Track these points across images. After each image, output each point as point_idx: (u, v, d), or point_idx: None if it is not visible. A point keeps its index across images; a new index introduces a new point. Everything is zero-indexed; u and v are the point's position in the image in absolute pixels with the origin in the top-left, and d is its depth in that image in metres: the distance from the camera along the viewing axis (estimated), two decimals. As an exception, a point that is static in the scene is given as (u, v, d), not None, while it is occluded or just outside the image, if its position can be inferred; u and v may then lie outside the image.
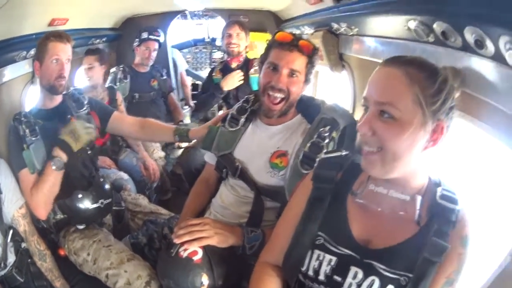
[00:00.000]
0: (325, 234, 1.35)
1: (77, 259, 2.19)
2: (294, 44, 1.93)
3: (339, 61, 2.76)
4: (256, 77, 3.27)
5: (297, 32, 3.50)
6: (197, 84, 5.87)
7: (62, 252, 2.28)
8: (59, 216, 2.26)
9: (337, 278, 1.29)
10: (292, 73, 1.94)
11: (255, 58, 3.61)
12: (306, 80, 2.01)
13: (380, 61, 1.94)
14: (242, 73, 3.56)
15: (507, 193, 1.57)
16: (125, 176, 3.19)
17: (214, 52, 6.31)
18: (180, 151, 3.92)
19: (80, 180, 2.31)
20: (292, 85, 1.95)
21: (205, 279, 1.73)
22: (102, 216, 2.39)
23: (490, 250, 1.46)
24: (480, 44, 1.16)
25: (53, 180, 2.17)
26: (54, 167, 2.14)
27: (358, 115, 2.08)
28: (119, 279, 1.99)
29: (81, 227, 2.29)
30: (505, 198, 1.59)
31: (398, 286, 1.22)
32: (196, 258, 1.74)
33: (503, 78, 1.17)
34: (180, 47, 6.19)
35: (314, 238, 1.35)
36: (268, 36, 4.51)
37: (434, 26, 1.34)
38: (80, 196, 2.24)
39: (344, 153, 1.49)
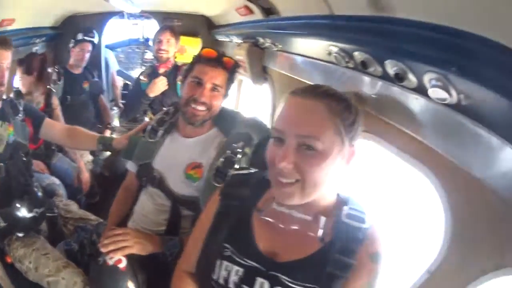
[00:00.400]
0: (232, 246, 1.28)
1: (22, 267, 2.05)
2: (218, 60, 1.89)
3: (261, 73, 2.66)
4: None
5: (226, 39, 3.35)
6: (128, 84, 5.56)
7: (9, 260, 2.11)
8: (1, 224, 2.07)
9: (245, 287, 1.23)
10: (214, 87, 1.88)
11: (184, 64, 3.43)
12: (226, 94, 1.96)
13: (301, 79, 1.88)
14: (165, 80, 3.41)
15: (420, 213, 1.53)
16: (57, 181, 2.96)
17: (146, 52, 6.05)
18: (108, 153, 3.65)
19: (16, 188, 2.13)
20: (214, 99, 1.89)
21: (131, 285, 1.74)
22: (37, 225, 2.21)
23: (408, 266, 1.43)
24: (401, 77, 1.07)
25: None
26: None
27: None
28: (58, 286, 1.90)
29: (20, 235, 2.12)
30: (418, 216, 1.55)
31: None
32: (122, 266, 1.75)
33: (423, 110, 1.10)
34: (114, 46, 5.86)
35: (221, 249, 1.28)
36: (199, 41, 4.40)
37: (355, 54, 1.25)
38: (17, 205, 2.07)
39: (253, 170, 1.43)
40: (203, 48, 1.97)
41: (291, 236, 1.23)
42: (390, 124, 1.28)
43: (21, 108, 2.27)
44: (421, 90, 1.05)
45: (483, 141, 0.90)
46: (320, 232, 1.19)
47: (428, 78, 0.95)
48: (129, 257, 1.76)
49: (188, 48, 4.28)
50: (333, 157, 1.09)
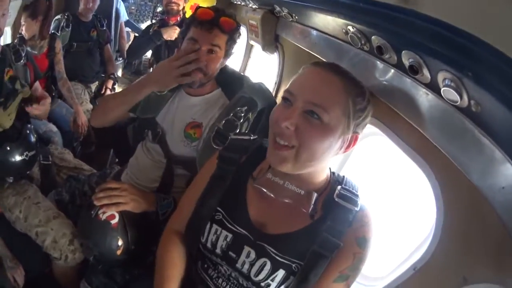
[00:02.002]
0: (224, 211, 1.30)
1: (11, 216, 2.05)
2: (214, 22, 1.80)
3: (273, 42, 2.60)
4: None
5: (242, 3, 3.25)
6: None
7: None
8: None
9: (232, 254, 1.27)
10: (211, 50, 1.81)
11: None
12: (227, 55, 1.89)
13: (313, 53, 1.84)
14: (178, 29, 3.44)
15: (413, 206, 1.53)
16: (54, 128, 3.01)
17: (159, 6, 5.88)
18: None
19: (11, 132, 2.11)
20: (211, 62, 1.82)
21: (120, 242, 1.73)
22: (27, 169, 2.20)
23: (394, 259, 1.43)
24: (415, 69, 1.04)
25: None
26: None
27: (280, 99, 1.94)
28: (47, 237, 1.92)
29: (10, 180, 2.12)
30: (411, 211, 1.54)
31: (289, 272, 1.21)
32: (114, 222, 1.72)
33: (431, 106, 1.07)
34: (127, -3, 5.77)
35: (213, 212, 1.30)
36: (213, 1, 4.19)
37: (373, 38, 1.21)
38: (7, 148, 2.04)
39: (252, 137, 1.42)
40: (198, 8, 1.86)
41: (282, 209, 1.25)
42: (395, 112, 1.26)
43: (23, 54, 2.28)
44: (432, 86, 1.03)
45: (485, 151, 0.88)
46: (310, 208, 1.21)
47: (442, 77, 0.93)
48: (122, 213, 1.75)
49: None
50: (334, 136, 1.11)
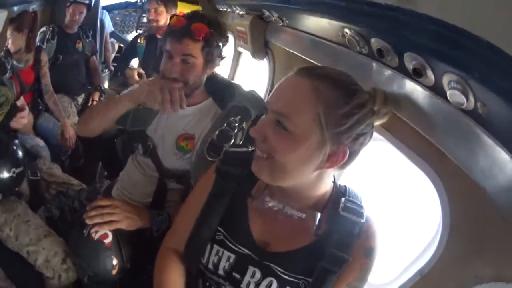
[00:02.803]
0: (225, 230, 1.24)
1: (2, 234, 2.00)
2: (184, 31, 1.72)
3: (262, 48, 2.57)
4: None
5: (229, 10, 3.23)
6: (122, 48, 5.49)
7: None
8: None
9: (236, 275, 1.21)
10: (185, 60, 1.74)
11: None
12: (207, 62, 1.80)
13: (306, 58, 1.82)
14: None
15: (417, 209, 1.51)
16: (41, 143, 2.99)
17: (143, 16, 5.86)
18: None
19: None
20: (186, 72, 1.75)
21: (115, 262, 1.69)
22: (16, 186, 2.16)
23: (400, 264, 1.40)
24: (419, 72, 1.01)
25: None
26: None
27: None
28: (39, 256, 1.87)
29: None
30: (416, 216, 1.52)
31: None
32: (107, 241, 1.68)
33: (434, 108, 1.05)
34: (111, 8, 5.75)
35: (213, 232, 1.24)
36: (199, 9, 4.20)
37: (372, 40, 1.17)
38: None
39: (250, 149, 1.32)
40: (172, 17, 1.83)
41: (286, 225, 1.20)
42: (396, 116, 1.23)
43: (8, 67, 2.30)
44: (436, 89, 1.00)
45: (491, 152, 0.86)
46: (315, 227, 1.17)
47: (448, 79, 0.90)
48: (115, 231, 1.70)
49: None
50: (307, 147, 1.03)
